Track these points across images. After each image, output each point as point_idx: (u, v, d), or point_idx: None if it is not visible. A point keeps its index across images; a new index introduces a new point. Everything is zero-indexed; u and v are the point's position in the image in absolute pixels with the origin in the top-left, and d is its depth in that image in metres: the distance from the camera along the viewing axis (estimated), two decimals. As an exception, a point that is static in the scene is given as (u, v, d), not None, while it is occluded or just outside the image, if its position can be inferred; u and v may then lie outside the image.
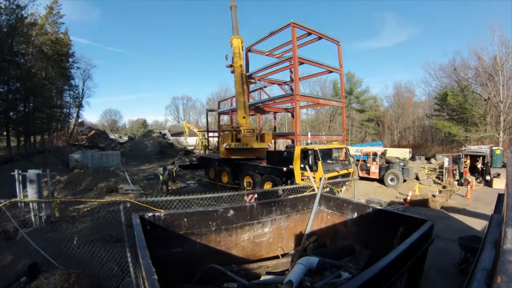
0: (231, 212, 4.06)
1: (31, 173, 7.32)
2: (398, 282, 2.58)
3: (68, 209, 8.99)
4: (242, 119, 14.58)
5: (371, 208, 4.25)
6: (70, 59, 36.16)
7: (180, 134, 51.52)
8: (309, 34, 18.97)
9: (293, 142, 17.87)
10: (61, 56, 32.52)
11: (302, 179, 10.26)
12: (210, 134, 32.89)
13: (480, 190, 13.18)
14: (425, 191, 12.37)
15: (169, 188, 13.82)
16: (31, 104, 25.73)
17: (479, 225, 7.48)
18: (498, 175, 14.11)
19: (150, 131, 49.95)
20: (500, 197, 3.57)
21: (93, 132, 48.61)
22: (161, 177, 13.44)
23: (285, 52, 21.05)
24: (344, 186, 10.87)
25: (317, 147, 10.55)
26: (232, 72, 15.90)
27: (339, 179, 9.52)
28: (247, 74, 18.21)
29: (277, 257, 4.37)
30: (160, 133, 47.17)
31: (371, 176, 15.09)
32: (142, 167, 22.69)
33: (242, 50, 16.64)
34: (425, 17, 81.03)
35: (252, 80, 18.70)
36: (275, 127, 29.70)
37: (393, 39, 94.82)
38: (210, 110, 36.04)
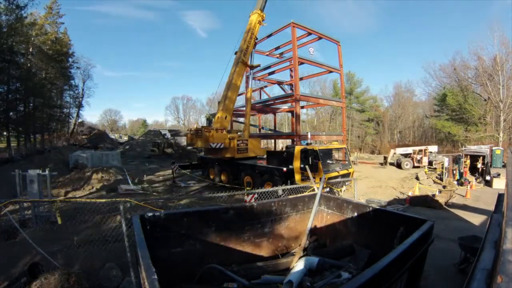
0: (231, 212, 4.06)
1: (31, 173, 7.32)
2: (398, 282, 2.58)
3: (69, 210, 8.99)
4: (219, 116, 14.17)
5: (371, 208, 4.25)
6: (70, 59, 36.20)
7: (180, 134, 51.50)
8: (309, 34, 19.01)
9: (293, 142, 17.87)
10: (61, 56, 32.53)
11: (302, 179, 10.26)
12: None
13: (480, 190, 13.17)
14: (425, 191, 12.36)
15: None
16: (31, 104, 25.74)
17: (479, 225, 7.48)
18: (498, 175, 14.10)
19: (150, 130, 49.96)
20: (500, 197, 3.57)
21: (94, 132, 48.70)
22: None
23: (285, 52, 21.10)
24: (344, 186, 10.87)
25: (317, 147, 10.55)
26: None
27: (339, 179, 9.52)
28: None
29: (277, 257, 4.37)
30: (160, 133, 47.30)
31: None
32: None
33: (257, 29, 14.85)
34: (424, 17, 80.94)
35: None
36: (275, 127, 29.74)
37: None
38: (211, 115, 36.09)
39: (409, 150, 22.20)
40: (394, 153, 22.42)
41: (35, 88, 23.75)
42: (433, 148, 23.20)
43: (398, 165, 20.70)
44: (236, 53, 15.17)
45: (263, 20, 15.09)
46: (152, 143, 35.19)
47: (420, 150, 20.79)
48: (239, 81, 14.91)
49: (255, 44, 15.62)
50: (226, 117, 14.26)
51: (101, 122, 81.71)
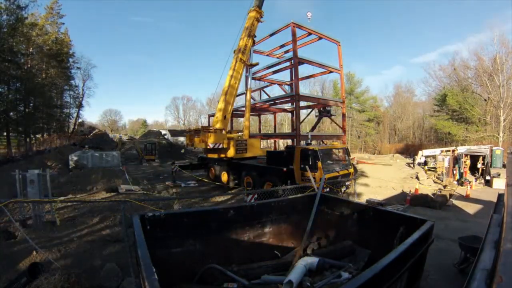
0: (231, 212, 4.06)
1: (31, 173, 7.32)
2: (398, 282, 2.58)
3: (68, 210, 8.99)
4: (219, 118, 13.98)
5: (371, 208, 4.25)
6: (70, 59, 36.19)
7: (180, 134, 51.54)
8: (309, 34, 18.99)
9: (293, 142, 17.86)
10: (61, 56, 32.53)
11: (302, 180, 10.25)
12: None
13: (480, 190, 13.17)
14: (425, 191, 12.36)
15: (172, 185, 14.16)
16: (31, 104, 25.74)
17: (479, 224, 7.48)
18: (498, 175, 14.10)
19: (151, 131, 50.02)
20: (500, 197, 3.57)
21: (94, 132, 48.72)
22: None
23: (285, 52, 21.09)
24: (344, 186, 10.87)
25: (317, 147, 10.54)
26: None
27: (339, 179, 9.52)
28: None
29: (277, 257, 4.37)
30: (160, 133, 47.37)
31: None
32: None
33: (255, 26, 14.78)
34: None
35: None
36: (275, 127, 29.75)
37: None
38: (211, 115, 35.98)
39: (437, 151, 21.94)
40: (422, 155, 22.56)
41: (35, 88, 23.77)
42: (464, 149, 20.31)
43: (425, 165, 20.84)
44: (234, 51, 15.12)
45: (261, 17, 15.03)
46: (147, 144, 31.70)
47: (448, 150, 20.63)
48: (238, 80, 14.85)
49: (254, 42, 15.59)
50: (225, 117, 14.20)
51: (101, 122, 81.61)
